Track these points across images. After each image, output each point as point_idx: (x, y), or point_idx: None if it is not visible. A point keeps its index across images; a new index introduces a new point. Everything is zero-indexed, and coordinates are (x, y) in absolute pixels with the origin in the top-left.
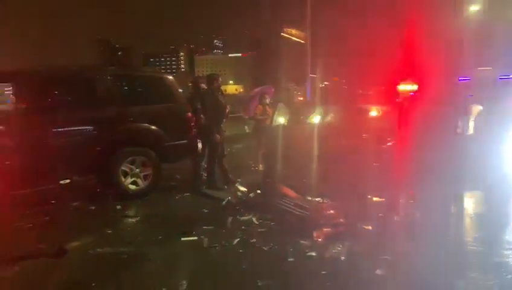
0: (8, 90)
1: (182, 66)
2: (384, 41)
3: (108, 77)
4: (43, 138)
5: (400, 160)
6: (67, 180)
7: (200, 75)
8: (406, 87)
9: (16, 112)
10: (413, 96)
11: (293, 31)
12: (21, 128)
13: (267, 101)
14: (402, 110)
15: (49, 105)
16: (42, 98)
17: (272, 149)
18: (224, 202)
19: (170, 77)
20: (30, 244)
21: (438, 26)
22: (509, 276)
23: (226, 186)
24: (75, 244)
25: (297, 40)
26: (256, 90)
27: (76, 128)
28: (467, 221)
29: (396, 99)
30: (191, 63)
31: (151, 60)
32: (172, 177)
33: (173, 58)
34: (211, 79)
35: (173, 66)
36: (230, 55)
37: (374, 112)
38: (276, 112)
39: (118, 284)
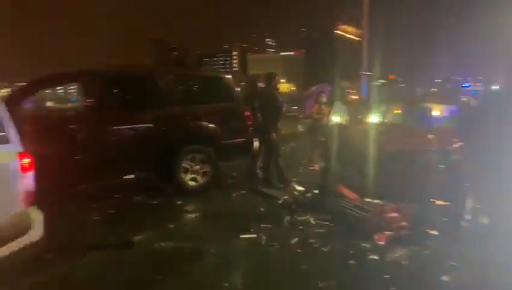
0: (73, 89)
1: (235, 65)
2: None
3: (171, 77)
4: (110, 135)
5: (465, 161)
6: (131, 176)
7: (253, 74)
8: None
9: (84, 110)
10: None
11: (348, 28)
12: (89, 126)
13: (324, 100)
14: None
15: (115, 104)
16: (108, 97)
17: (329, 149)
18: (280, 201)
19: (228, 77)
20: (98, 236)
21: None
22: None
23: (281, 185)
24: (140, 237)
25: (352, 37)
26: (313, 88)
27: (140, 126)
28: None
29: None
30: (243, 62)
31: (205, 59)
32: (228, 174)
33: (226, 58)
34: (270, 77)
35: (226, 66)
36: (282, 53)
37: (436, 112)
38: (332, 111)
39: (182, 278)
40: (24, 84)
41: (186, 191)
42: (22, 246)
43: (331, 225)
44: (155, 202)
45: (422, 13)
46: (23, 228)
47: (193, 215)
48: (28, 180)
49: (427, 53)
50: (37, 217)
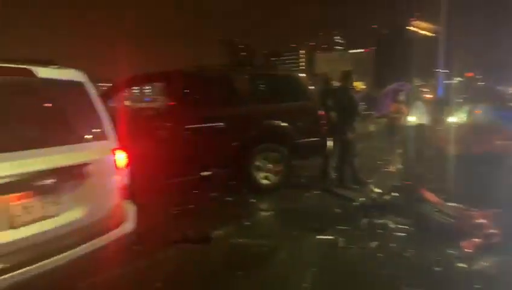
0: (147, 89)
1: (302, 64)
2: None
3: (247, 77)
4: (189, 133)
5: None
6: (208, 173)
7: (321, 72)
8: None
9: (169, 109)
10: None
11: (421, 24)
12: (173, 124)
13: (402, 98)
14: None
15: (194, 103)
16: (189, 97)
17: (409, 150)
18: (356, 203)
19: (302, 75)
20: (180, 230)
21: None
22: None
23: (356, 187)
24: (218, 233)
25: (426, 33)
26: (390, 87)
27: (217, 124)
28: None
29: None
30: (311, 61)
31: (273, 59)
32: (301, 174)
33: (294, 57)
34: (346, 76)
35: (293, 65)
36: (350, 51)
37: None
38: (412, 111)
39: (261, 275)
40: (110, 84)
41: (259, 190)
42: (117, 238)
43: (412, 229)
44: (230, 199)
45: (504, 6)
46: (119, 220)
47: (267, 214)
48: (124, 175)
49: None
50: (131, 210)
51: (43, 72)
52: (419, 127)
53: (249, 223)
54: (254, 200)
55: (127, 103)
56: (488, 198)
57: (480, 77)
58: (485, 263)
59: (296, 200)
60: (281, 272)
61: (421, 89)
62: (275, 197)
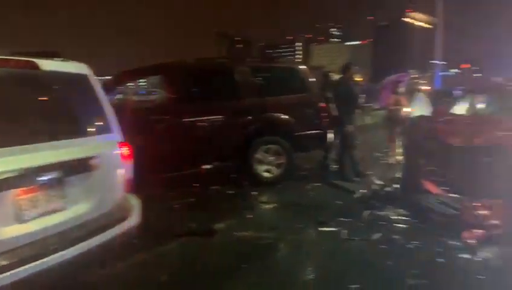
0: (142, 82)
1: (299, 56)
2: None
3: (246, 69)
4: (191, 126)
5: None
6: (209, 166)
7: (317, 65)
8: None
9: (168, 102)
10: None
11: (417, 15)
12: (172, 117)
13: (401, 90)
14: None
15: (193, 96)
16: (188, 90)
17: (409, 141)
18: (357, 195)
19: (303, 68)
20: (182, 223)
21: None
22: None
23: (357, 179)
24: (221, 225)
25: (422, 24)
26: (390, 78)
27: (217, 117)
28: None
29: None
30: (307, 53)
31: (269, 51)
32: (302, 167)
33: (290, 49)
34: (346, 68)
35: (290, 57)
36: (347, 43)
37: None
38: (412, 102)
39: (265, 268)
40: (109, 78)
41: (261, 183)
42: (123, 231)
43: (415, 221)
44: (231, 192)
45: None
46: (125, 214)
47: (269, 206)
48: (128, 168)
49: (506, 40)
50: (136, 204)
51: (47, 65)
52: (420, 118)
53: (251, 216)
54: (256, 193)
55: (126, 96)
56: (489, 189)
57: (477, 68)
58: (487, 254)
59: (297, 193)
60: (285, 264)
61: (418, 80)
62: (277, 190)
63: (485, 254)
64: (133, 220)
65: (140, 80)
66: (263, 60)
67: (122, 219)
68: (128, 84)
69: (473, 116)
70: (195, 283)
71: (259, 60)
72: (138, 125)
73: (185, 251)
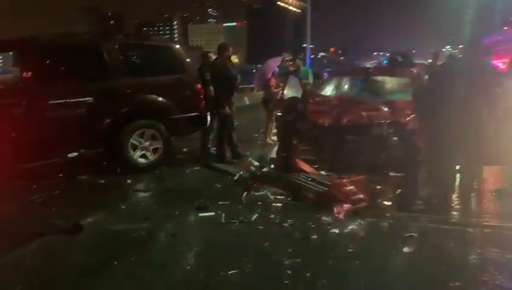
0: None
1: (176, 35)
2: None
3: (116, 46)
4: (49, 109)
5: (418, 133)
6: (75, 154)
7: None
8: None
9: (20, 82)
10: None
11: (290, 0)
12: (25, 99)
13: (281, 72)
14: None
15: (54, 75)
16: (47, 68)
17: (285, 122)
18: (236, 177)
19: (179, 47)
20: (44, 220)
21: None
22: None
23: (235, 161)
24: (90, 220)
25: (294, 9)
26: (268, 61)
27: (83, 99)
28: None
29: None
30: (184, 32)
31: (145, 29)
32: (180, 150)
33: (166, 28)
34: (222, 49)
35: (166, 36)
36: (225, 24)
37: (389, 84)
38: (287, 86)
39: (140, 262)
40: None
41: (136, 169)
42: None
43: (290, 199)
44: (102, 181)
45: None
46: None
47: (145, 194)
48: None
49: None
50: None
51: None
52: (292, 100)
53: (124, 206)
54: (130, 181)
55: None
56: (355, 165)
57: (340, 52)
58: (354, 227)
59: (176, 178)
60: (162, 256)
61: (290, 63)
62: (154, 176)
63: (352, 227)
64: None
65: None
66: (135, 37)
67: None
68: None
69: (339, 97)
70: (57, 287)
71: (131, 37)
72: None
73: (47, 251)
